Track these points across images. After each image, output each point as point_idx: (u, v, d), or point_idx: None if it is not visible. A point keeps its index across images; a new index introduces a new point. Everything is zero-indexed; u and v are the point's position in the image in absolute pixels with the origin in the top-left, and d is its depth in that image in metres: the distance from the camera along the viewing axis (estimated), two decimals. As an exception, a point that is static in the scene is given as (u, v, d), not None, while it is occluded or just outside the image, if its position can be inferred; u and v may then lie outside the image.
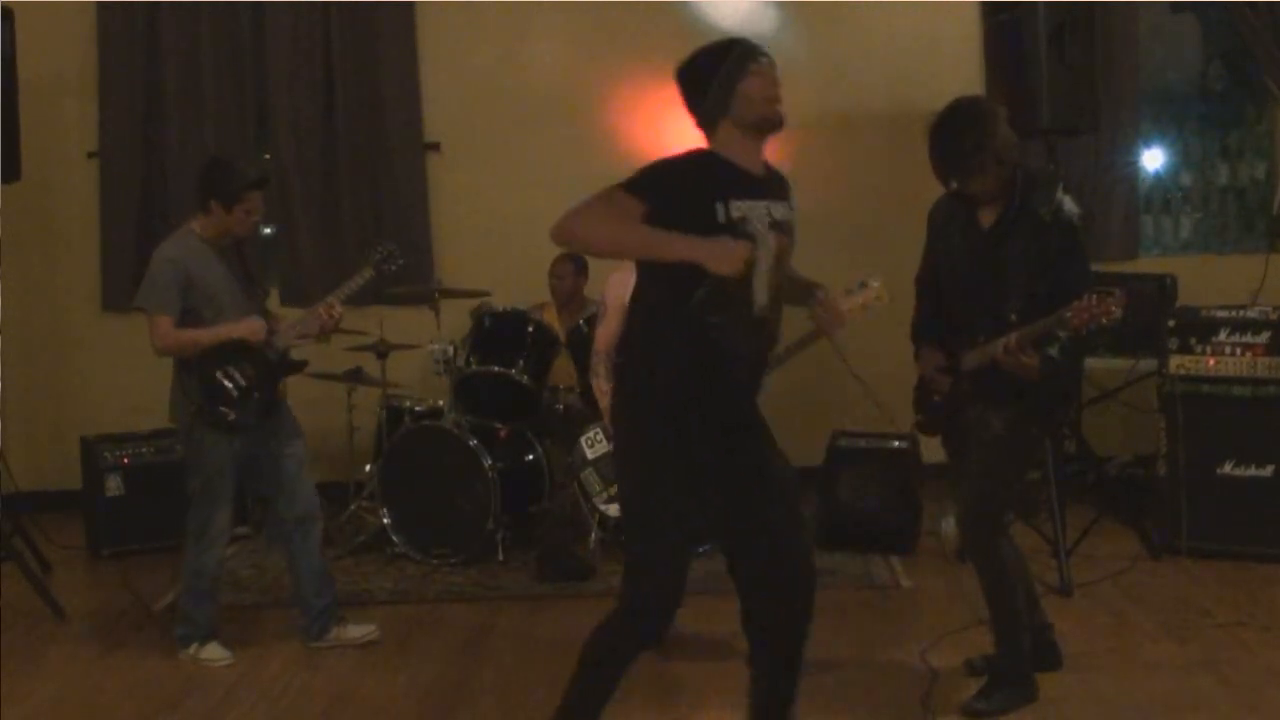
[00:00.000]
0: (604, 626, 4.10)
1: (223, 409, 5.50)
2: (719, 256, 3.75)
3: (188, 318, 5.48)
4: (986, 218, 4.79)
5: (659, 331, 3.94)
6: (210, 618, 5.70)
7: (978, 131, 4.64)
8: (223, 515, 5.63)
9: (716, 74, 3.96)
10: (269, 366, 5.61)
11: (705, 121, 4.03)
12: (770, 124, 4.00)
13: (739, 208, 3.89)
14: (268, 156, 8.55)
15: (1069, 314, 4.44)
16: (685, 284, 3.78)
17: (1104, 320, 4.40)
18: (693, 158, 3.98)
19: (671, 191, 3.87)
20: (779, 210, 4.04)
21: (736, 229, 3.86)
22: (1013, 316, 4.64)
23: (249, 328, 5.55)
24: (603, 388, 5.40)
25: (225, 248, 5.62)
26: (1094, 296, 4.42)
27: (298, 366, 5.87)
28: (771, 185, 4.08)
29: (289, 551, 5.77)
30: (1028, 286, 4.66)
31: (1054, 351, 4.60)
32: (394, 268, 6.12)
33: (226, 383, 5.52)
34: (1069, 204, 4.71)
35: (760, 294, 3.96)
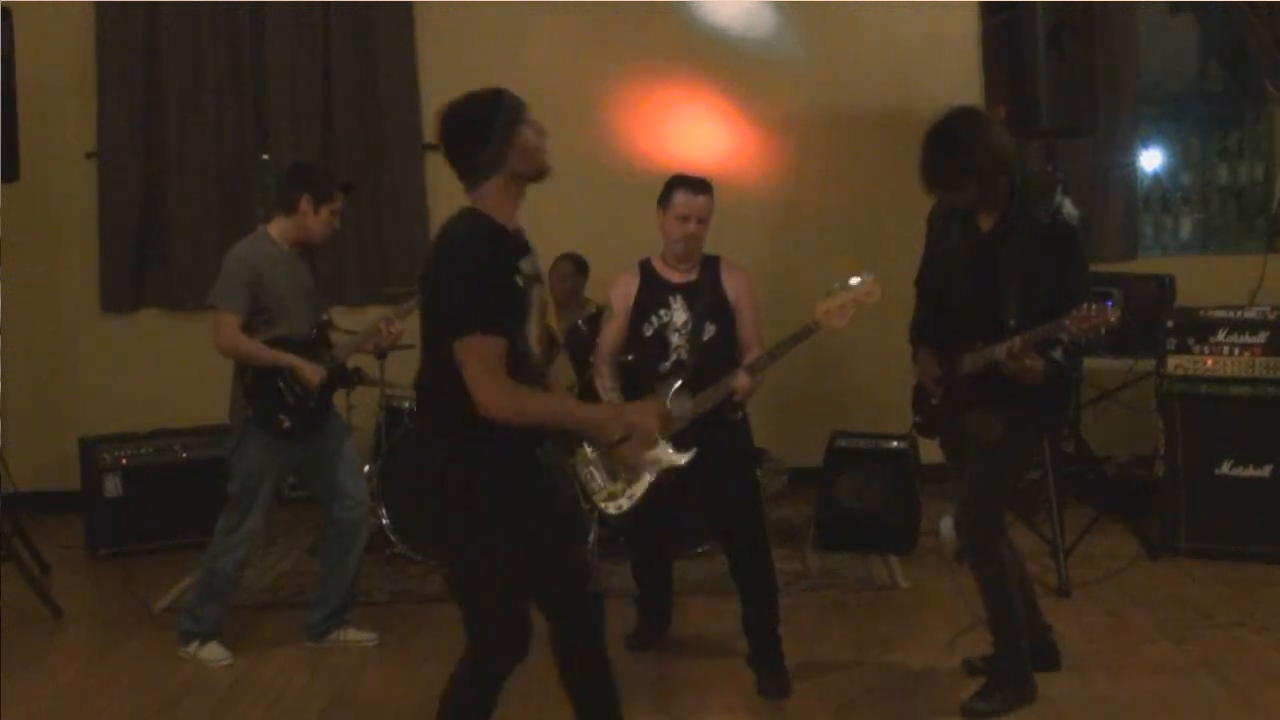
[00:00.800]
0: (460, 678, 4.07)
1: (280, 416, 5.54)
2: (630, 431, 3.91)
3: (255, 319, 5.51)
4: (985, 221, 4.78)
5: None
6: (216, 618, 5.71)
7: (961, 151, 4.61)
8: (254, 520, 5.64)
9: (493, 124, 3.90)
10: (327, 378, 5.65)
11: (479, 173, 3.92)
12: (543, 175, 4.03)
13: (523, 269, 3.89)
14: (266, 157, 8.55)
15: (1069, 322, 4.44)
16: None
17: (1102, 328, 4.42)
18: (490, 241, 3.87)
19: (505, 299, 3.83)
20: (533, 263, 4.02)
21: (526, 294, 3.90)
22: (1011, 322, 4.63)
23: (310, 371, 5.57)
24: (606, 386, 5.42)
25: (297, 254, 5.65)
26: (1093, 305, 4.41)
27: (353, 378, 5.93)
28: (523, 238, 4.05)
29: (330, 553, 5.81)
30: (1026, 291, 4.64)
31: (1058, 355, 4.60)
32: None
33: (285, 392, 5.54)
34: (1068, 207, 4.70)
35: (534, 345, 4.04)
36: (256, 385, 5.54)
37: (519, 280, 3.84)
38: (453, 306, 3.81)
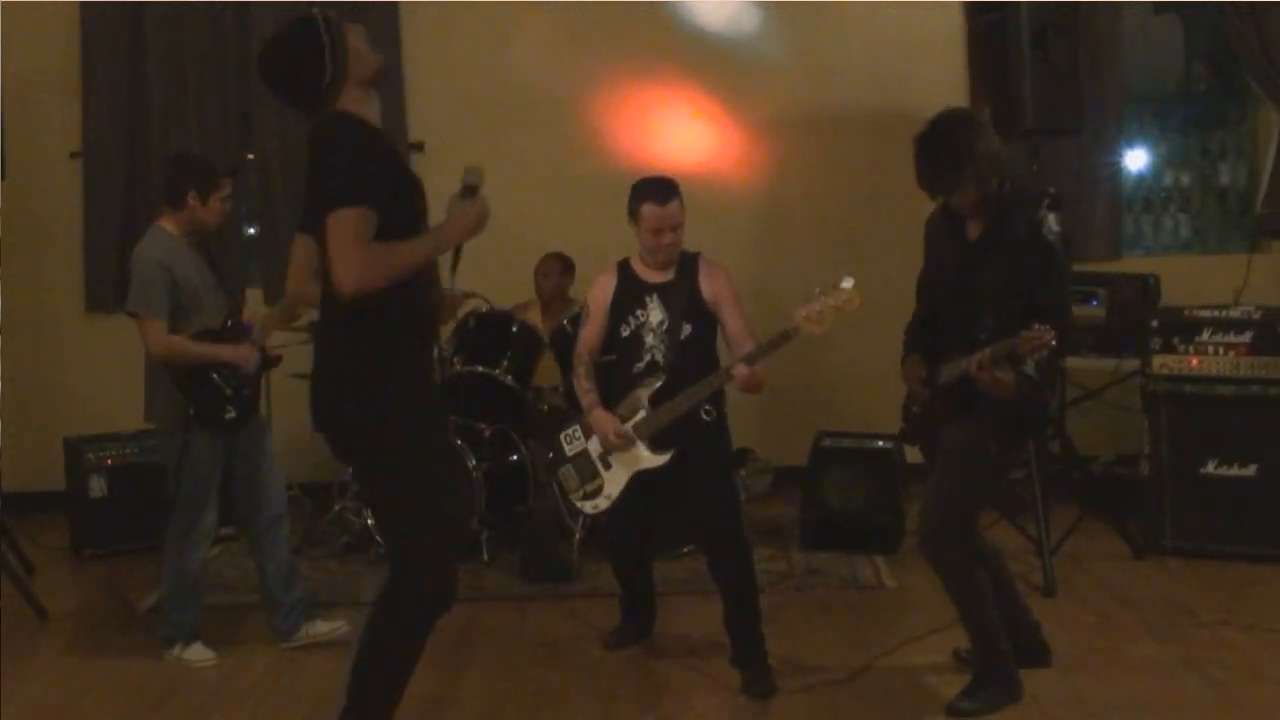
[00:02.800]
0: (392, 612, 4.05)
1: (225, 407, 5.52)
2: (478, 221, 3.88)
3: (174, 316, 5.48)
4: (973, 231, 4.79)
5: (394, 334, 3.88)
6: (193, 619, 5.70)
7: (958, 149, 4.61)
8: (209, 517, 5.64)
9: (323, 46, 3.91)
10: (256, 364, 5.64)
11: (328, 93, 3.92)
12: (381, 72, 4.04)
13: (468, 174, 3.97)
14: (251, 156, 8.54)
15: (1019, 341, 4.42)
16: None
17: (1044, 351, 4.41)
18: (371, 133, 3.89)
19: (387, 180, 3.82)
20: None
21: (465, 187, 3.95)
22: (981, 335, 4.60)
23: (240, 354, 5.56)
24: (584, 387, 5.41)
25: (196, 244, 5.64)
26: (1042, 326, 4.38)
27: (274, 361, 5.88)
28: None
29: (258, 549, 5.79)
30: (1001, 303, 4.63)
31: (1029, 370, 4.55)
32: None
33: (221, 383, 5.52)
34: (1050, 223, 4.66)
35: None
36: (193, 382, 5.49)
37: (402, 169, 3.87)
38: (322, 191, 3.77)
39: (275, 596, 5.78)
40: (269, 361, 5.79)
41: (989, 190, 4.67)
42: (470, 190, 3.98)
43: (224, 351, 5.53)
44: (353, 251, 3.64)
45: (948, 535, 4.83)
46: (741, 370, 5.08)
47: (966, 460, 4.80)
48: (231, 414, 5.54)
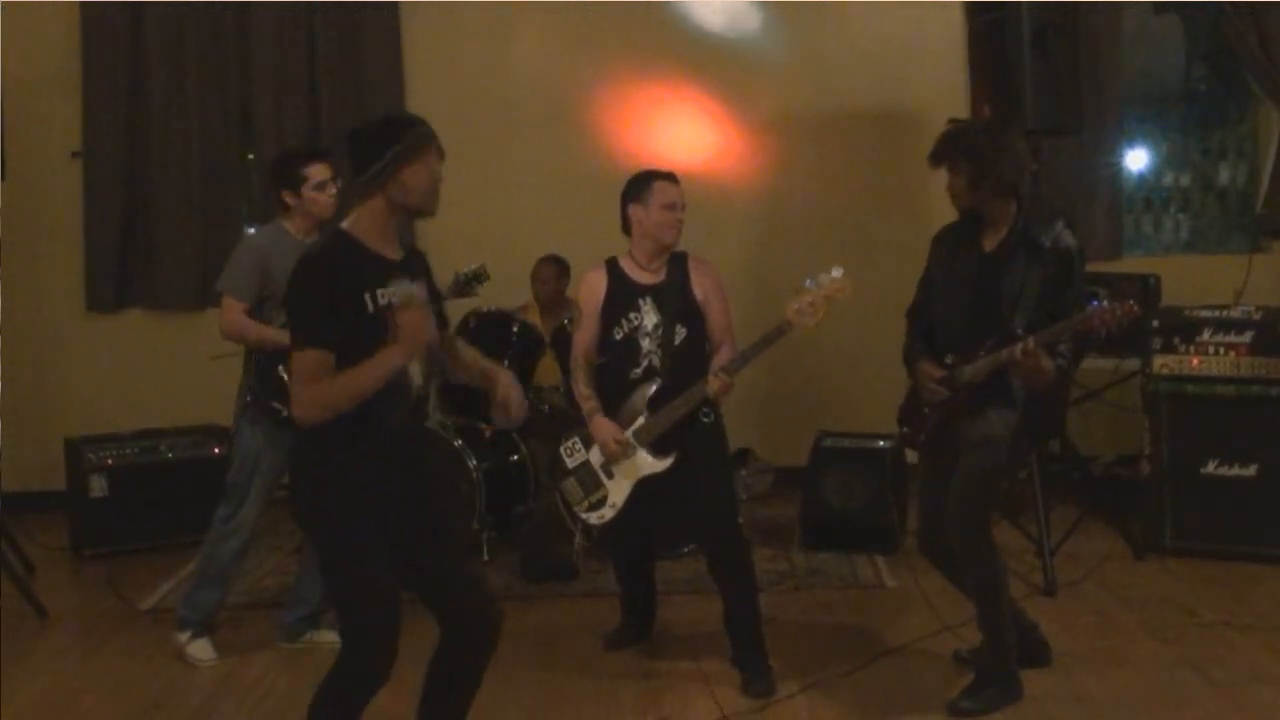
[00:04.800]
0: (332, 681, 4.14)
1: (276, 404, 5.51)
2: (409, 347, 3.83)
3: (265, 305, 5.51)
4: (989, 241, 4.92)
5: (336, 435, 3.90)
6: (212, 608, 5.70)
7: (970, 137, 4.86)
8: (249, 510, 5.63)
9: (386, 150, 3.86)
10: None
11: (361, 189, 3.93)
12: (424, 213, 4.02)
13: (386, 294, 3.85)
14: (251, 157, 8.53)
15: (1093, 318, 4.61)
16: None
17: (1125, 320, 4.61)
18: (327, 261, 3.88)
19: (328, 315, 3.81)
20: (421, 290, 3.99)
21: (385, 315, 3.85)
22: (1020, 329, 4.74)
23: None
24: (584, 394, 5.39)
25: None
26: (1114, 302, 4.63)
27: None
28: (411, 264, 4.04)
29: (309, 549, 5.77)
30: (1028, 305, 4.79)
31: (1061, 361, 4.78)
32: (474, 292, 6.17)
33: (285, 378, 5.51)
34: (1068, 237, 4.87)
35: (417, 376, 4.09)
36: (259, 371, 5.54)
37: (369, 300, 3.82)
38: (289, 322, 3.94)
39: (308, 598, 5.78)
40: None
41: (1001, 189, 4.83)
42: (403, 305, 3.90)
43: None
44: (298, 392, 3.82)
45: (980, 519, 4.87)
46: (715, 385, 5.12)
47: (1000, 455, 4.88)
48: (285, 412, 5.50)
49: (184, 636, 5.67)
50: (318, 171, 5.58)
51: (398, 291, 3.84)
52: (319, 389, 3.78)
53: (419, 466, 4.11)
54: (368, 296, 3.82)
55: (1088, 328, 4.66)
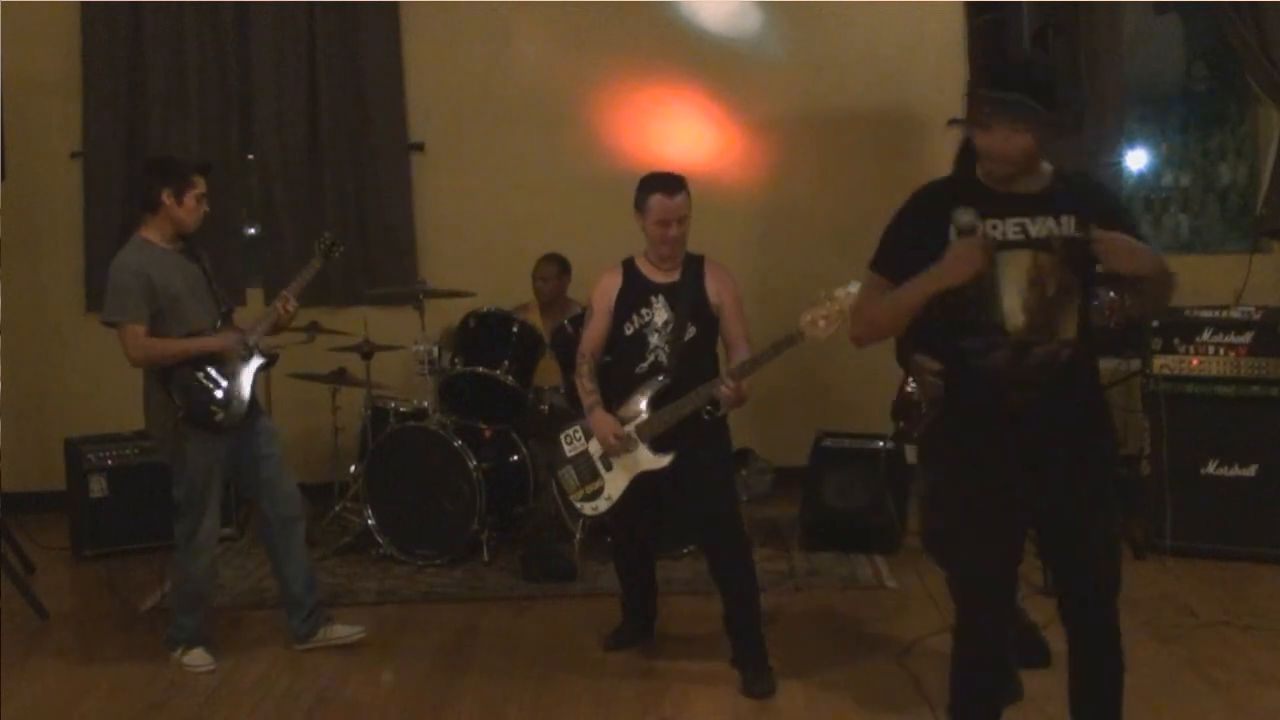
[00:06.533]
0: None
1: (211, 409, 5.49)
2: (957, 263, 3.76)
3: (155, 322, 5.45)
4: None
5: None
6: (197, 623, 5.69)
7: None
8: (210, 521, 5.61)
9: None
10: (245, 364, 5.61)
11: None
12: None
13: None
14: (251, 157, 8.53)
15: (1107, 309, 4.65)
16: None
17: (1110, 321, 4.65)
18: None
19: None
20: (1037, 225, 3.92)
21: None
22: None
23: (226, 341, 5.55)
24: (586, 387, 5.40)
25: (179, 250, 5.60)
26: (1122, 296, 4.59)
27: (271, 360, 5.84)
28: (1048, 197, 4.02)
29: (275, 552, 5.76)
30: None
31: None
32: (339, 254, 6.12)
33: (209, 384, 5.50)
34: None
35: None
36: (179, 384, 5.48)
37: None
38: None
39: (299, 598, 5.76)
40: (268, 361, 5.78)
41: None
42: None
43: (207, 342, 5.51)
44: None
45: None
46: (726, 390, 5.12)
47: None
48: (221, 415, 5.51)
49: (177, 653, 5.66)
50: (202, 186, 5.57)
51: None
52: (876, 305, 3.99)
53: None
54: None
55: (1101, 317, 4.63)
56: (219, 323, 5.62)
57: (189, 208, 5.53)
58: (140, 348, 5.43)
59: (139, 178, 5.78)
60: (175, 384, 5.48)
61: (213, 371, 5.51)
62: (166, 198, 5.49)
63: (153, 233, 5.55)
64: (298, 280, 5.80)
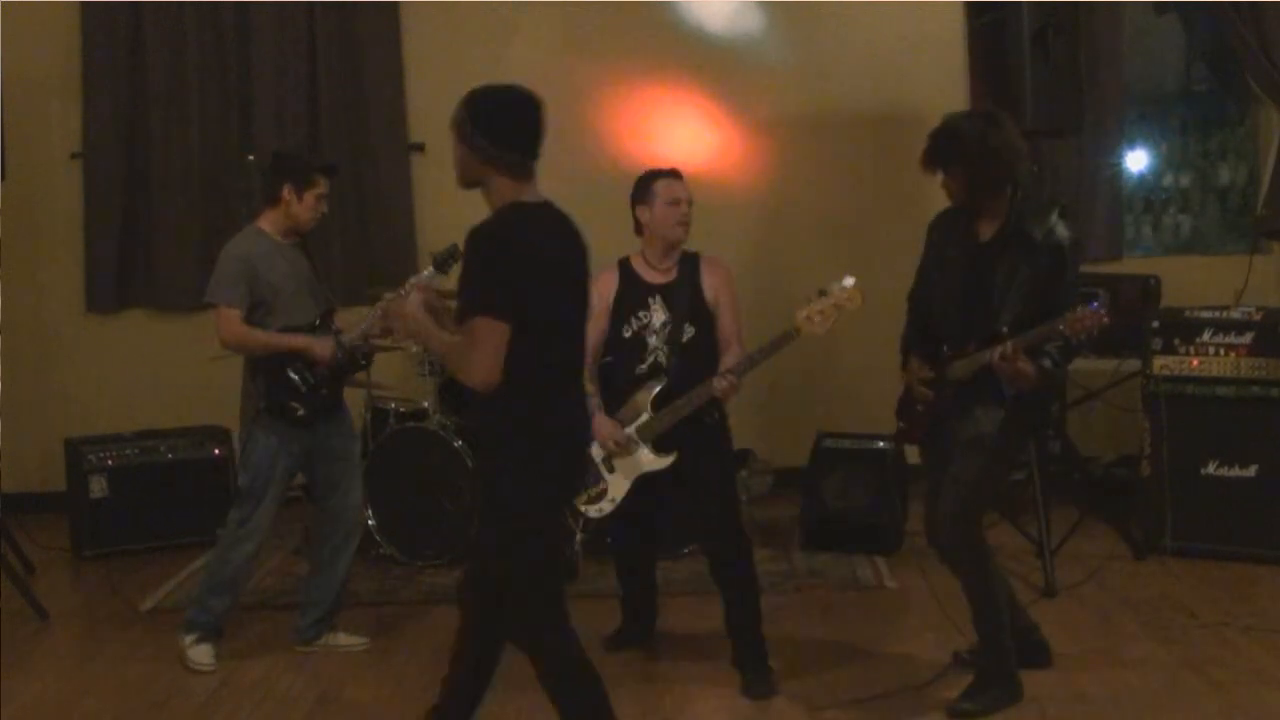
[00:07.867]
0: None
1: (292, 404, 5.52)
2: None
3: (256, 312, 5.51)
4: (985, 231, 4.89)
5: None
6: (224, 609, 5.68)
7: (956, 136, 4.79)
8: (264, 513, 5.61)
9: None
10: (336, 364, 5.63)
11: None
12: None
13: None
14: (251, 158, 8.52)
15: (1063, 325, 4.56)
16: None
17: (1095, 330, 4.53)
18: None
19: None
20: None
21: None
22: (1004, 328, 4.71)
23: (315, 344, 5.56)
24: (587, 389, 5.40)
25: (292, 245, 5.66)
26: (1086, 307, 4.55)
27: (362, 365, 5.91)
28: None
29: (319, 553, 5.80)
30: (1020, 301, 4.75)
31: (1047, 362, 4.72)
32: (451, 268, 6.15)
33: (295, 378, 5.52)
34: (1061, 229, 4.81)
35: None
36: (268, 375, 5.53)
37: None
38: None
39: (318, 601, 5.77)
40: (355, 364, 5.80)
41: (992, 190, 4.75)
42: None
43: (295, 340, 5.53)
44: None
45: (968, 522, 4.87)
46: (720, 385, 5.14)
47: (995, 449, 4.87)
48: (301, 411, 5.53)
49: (190, 638, 5.64)
50: (323, 187, 5.63)
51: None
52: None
53: None
54: None
55: (1060, 336, 4.61)
56: (317, 321, 5.66)
57: (308, 205, 5.59)
58: (231, 331, 5.50)
59: (266, 169, 5.87)
60: (261, 374, 5.54)
61: (302, 368, 5.54)
62: (287, 193, 5.56)
63: (268, 225, 5.62)
64: (407, 284, 5.78)
